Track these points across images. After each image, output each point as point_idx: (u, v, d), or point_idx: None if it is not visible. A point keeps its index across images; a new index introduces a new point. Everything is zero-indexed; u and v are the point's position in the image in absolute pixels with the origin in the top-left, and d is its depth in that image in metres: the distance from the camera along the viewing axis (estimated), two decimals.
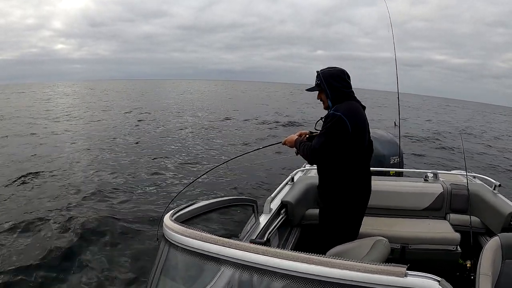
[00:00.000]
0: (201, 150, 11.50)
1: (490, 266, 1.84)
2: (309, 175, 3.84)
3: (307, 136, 2.65)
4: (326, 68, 2.46)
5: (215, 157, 10.30)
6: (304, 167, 4.09)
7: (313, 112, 20.61)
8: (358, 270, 1.02)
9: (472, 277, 2.61)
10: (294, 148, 2.59)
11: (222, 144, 12.52)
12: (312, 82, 2.49)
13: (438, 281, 1.00)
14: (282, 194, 3.26)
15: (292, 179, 3.61)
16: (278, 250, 1.14)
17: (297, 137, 2.62)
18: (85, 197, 6.53)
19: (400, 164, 4.47)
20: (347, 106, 2.33)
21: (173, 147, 11.82)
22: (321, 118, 2.48)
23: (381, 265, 1.02)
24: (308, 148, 2.36)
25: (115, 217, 5.54)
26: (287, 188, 3.42)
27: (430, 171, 3.73)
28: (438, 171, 3.69)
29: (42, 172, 8.04)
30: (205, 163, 9.46)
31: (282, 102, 34.65)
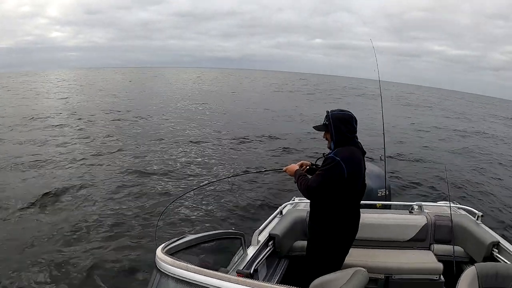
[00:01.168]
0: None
1: None
2: (298, 208, 3.93)
3: (307, 167, 2.79)
4: (336, 111, 2.60)
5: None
6: (294, 200, 4.18)
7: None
8: None
9: None
10: (294, 177, 2.71)
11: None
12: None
13: None
14: (270, 226, 3.34)
15: (281, 212, 3.69)
16: (260, 283, 1.26)
17: (297, 167, 2.75)
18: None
19: (387, 197, 4.58)
20: (347, 152, 2.48)
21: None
22: (323, 154, 2.63)
23: None
24: (305, 184, 2.50)
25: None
26: (275, 220, 3.50)
27: (415, 203, 3.83)
28: (423, 203, 3.81)
29: None
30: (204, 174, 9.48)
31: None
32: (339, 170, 2.39)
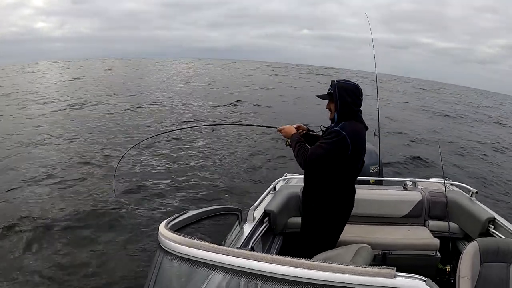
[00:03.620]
0: None
1: (469, 270, 1.91)
2: (290, 184, 3.88)
3: (304, 132, 2.63)
4: (342, 80, 2.45)
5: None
6: (286, 176, 4.12)
7: None
8: (349, 273, 1.06)
9: (452, 281, 2.69)
10: (287, 139, 2.55)
11: None
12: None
13: (425, 281, 1.05)
14: (264, 203, 3.29)
15: (274, 188, 3.64)
16: (271, 256, 1.17)
17: (295, 130, 2.58)
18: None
19: (380, 173, 4.57)
20: (354, 127, 2.34)
21: None
22: (321, 127, 2.51)
23: (371, 268, 1.06)
24: (305, 153, 2.33)
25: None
26: (269, 197, 3.45)
27: (409, 179, 3.82)
28: (417, 179, 3.80)
29: None
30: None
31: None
32: (344, 146, 2.27)
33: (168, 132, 3.72)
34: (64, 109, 15.14)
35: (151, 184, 6.99)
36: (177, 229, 1.52)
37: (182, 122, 11.76)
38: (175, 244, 1.32)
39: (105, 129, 11.54)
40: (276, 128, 2.74)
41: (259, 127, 3.59)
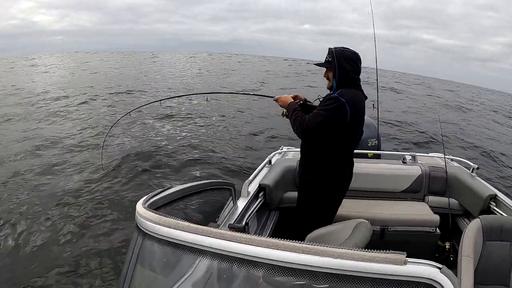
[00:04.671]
0: None
1: (471, 248, 1.81)
2: (286, 157, 3.76)
3: (301, 102, 2.52)
4: (340, 47, 2.32)
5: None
6: (282, 149, 4.00)
7: None
8: (354, 259, 0.92)
9: (451, 259, 2.63)
10: (284, 110, 2.46)
11: None
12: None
13: (439, 268, 0.92)
14: (259, 177, 3.17)
15: (270, 161, 3.52)
16: (266, 239, 1.02)
17: (291, 99, 2.49)
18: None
19: (378, 147, 4.46)
20: (352, 94, 2.23)
21: None
22: (318, 97, 2.39)
23: (379, 253, 0.93)
24: (302, 122, 2.24)
25: None
26: (264, 170, 3.33)
27: (408, 153, 3.72)
28: (416, 154, 3.68)
29: None
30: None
31: None
32: (342, 113, 2.16)
33: (161, 100, 3.53)
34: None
35: (139, 161, 6.85)
36: (158, 206, 1.36)
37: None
38: (152, 224, 1.16)
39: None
40: (272, 97, 2.64)
41: (254, 96, 3.43)
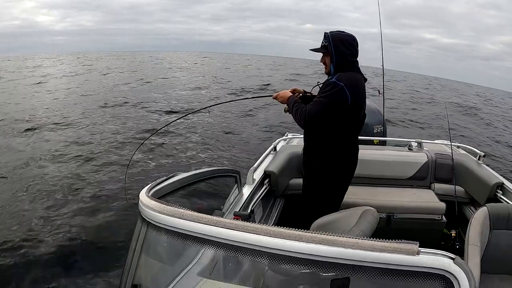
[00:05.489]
0: None
1: (478, 236, 1.79)
2: (291, 144, 3.74)
3: (301, 95, 2.48)
4: (336, 31, 2.27)
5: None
6: (287, 135, 3.97)
7: None
8: (364, 249, 0.90)
9: (457, 247, 2.61)
10: (285, 105, 2.43)
11: None
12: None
13: (453, 258, 0.89)
14: (265, 163, 3.15)
15: (275, 148, 3.49)
16: (265, 227, 1.00)
17: (290, 93, 2.45)
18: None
19: (384, 133, 4.42)
20: (350, 77, 2.18)
21: None
22: (318, 83, 2.34)
23: (390, 243, 0.90)
24: (303, 112, 2.20)
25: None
26: (269, 157, 3.31)
27: (414, 140, 3.67)
28: (422, 140, 3.64)
29: None
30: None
31: None
32: (342, 97, 2.11)
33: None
34: None
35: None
36: (162, 195, 1.34)
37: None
38: (155, 213, 1.13)
39: None
40: (271, 96, 2.61)
41: (253, 98, 3.37)
